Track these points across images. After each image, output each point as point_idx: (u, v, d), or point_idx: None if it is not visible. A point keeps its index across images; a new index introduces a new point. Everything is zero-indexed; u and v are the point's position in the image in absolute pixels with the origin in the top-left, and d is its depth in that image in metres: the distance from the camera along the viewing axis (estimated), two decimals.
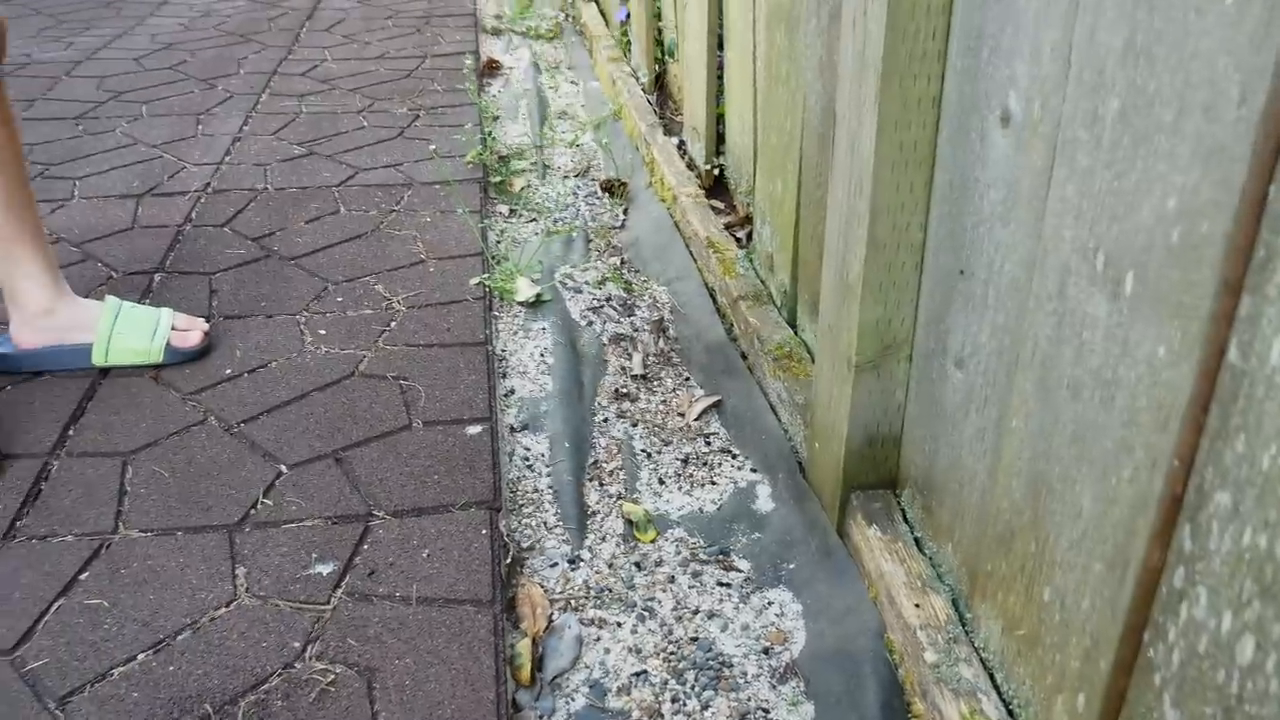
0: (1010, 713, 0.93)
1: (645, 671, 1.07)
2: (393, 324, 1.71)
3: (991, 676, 0.97)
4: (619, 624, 1.14)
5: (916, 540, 1.13)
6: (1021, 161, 0.86)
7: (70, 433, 1.43)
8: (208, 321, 1.71)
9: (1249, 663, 0.62)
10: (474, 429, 1.43)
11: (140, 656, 1.08)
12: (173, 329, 1.58)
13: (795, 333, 1.55)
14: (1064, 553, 0.82)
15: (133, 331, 1.55)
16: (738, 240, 1.85)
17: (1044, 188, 0.82)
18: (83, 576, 1.19)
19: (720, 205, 2.02)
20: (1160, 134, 0.66)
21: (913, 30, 0.98)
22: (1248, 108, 0.58)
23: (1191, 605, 0.67)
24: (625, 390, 1.57)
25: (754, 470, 1.38)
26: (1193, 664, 0.68)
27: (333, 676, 1.06)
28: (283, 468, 1.36)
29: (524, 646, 1.10)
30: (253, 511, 1.28)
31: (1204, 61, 0.62)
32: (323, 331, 1.69)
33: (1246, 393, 0.61)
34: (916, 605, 1.03)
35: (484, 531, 1.24)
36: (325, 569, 1.19)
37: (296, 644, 1.09)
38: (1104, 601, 0.77)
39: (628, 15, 2.96)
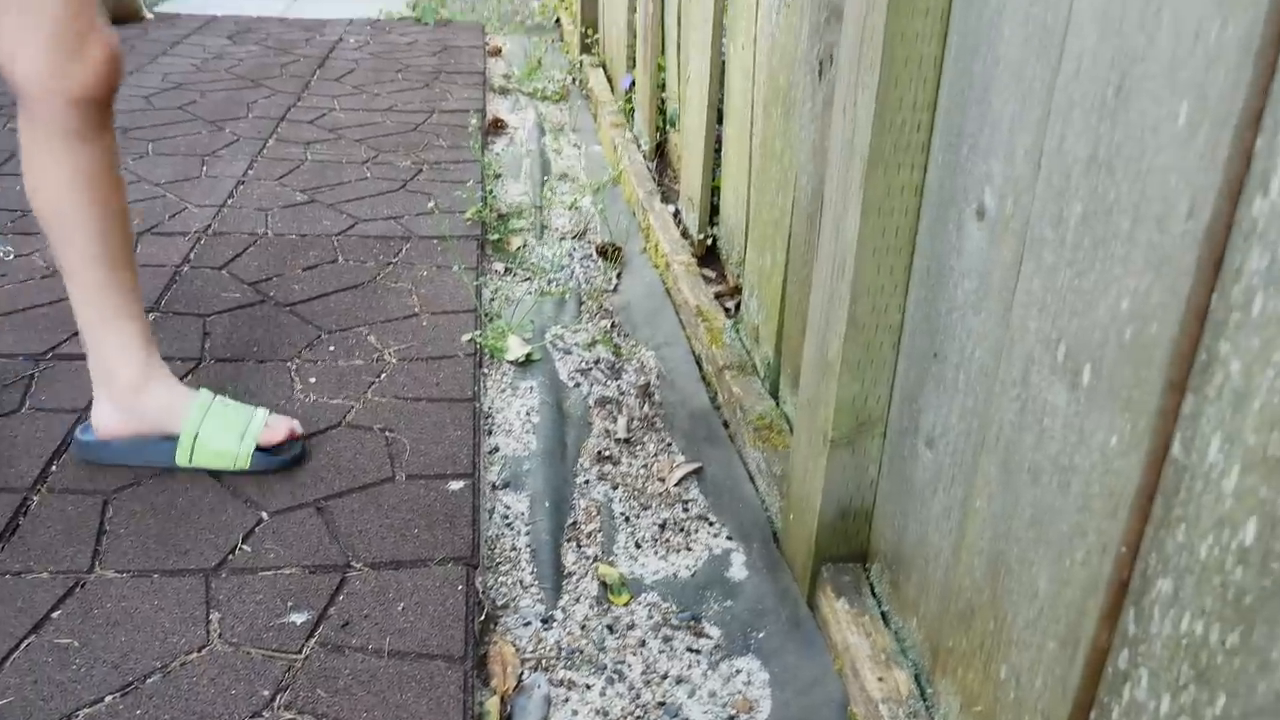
0: None
1: None
2: (383, 375, 1.73)
3: None
4: (588, 686, 1.15)
5: (883, 614, 1.15)
6: (993, 254, 0.89)
7: (53, 468, 1.45)
8: (198, 364, 1.73)
9: None
10: (456, 484, 1.45)
11: (108, 699, 1.09)
12: (265, 426, 1.47)
13: (777, 404, 1.58)
14: (1020, 631, 0.85)
15: (221, 433, 1.44)
16: (726, 310, 1.89)
17: (1013, 280, 0.86)
18: (55, 615, 1.20)
19: (711, 274, 2.06)
20: (1117, 240, 0.70)
21: (898, 122, 1.02)
22: (1194, 222, 0.62)
23: (1134, 687, 0.70)
24: (608, 453, 1.60)
25: (729, 538, 1.40)
26: None
27: None
28: (264, 514, 1.38)
29: (492, 704, 1.11)
30: (231, 557, 1.30)
31: (1158, 176, 0.66)
32: (313, 380, 1.71)
33: (1188, 485, 0.64)
34: (880, 679, 1.05)
35: (460, 587, 1.26)
36: (300, 618, 1.21)
37: (266, 693, 1.11)
38: (1055, 680, 0.79)
39: (632, 83, 3.03)
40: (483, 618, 1.23)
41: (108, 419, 1.43)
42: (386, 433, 1.57)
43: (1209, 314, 0.62)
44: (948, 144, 0.98)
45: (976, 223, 0.93)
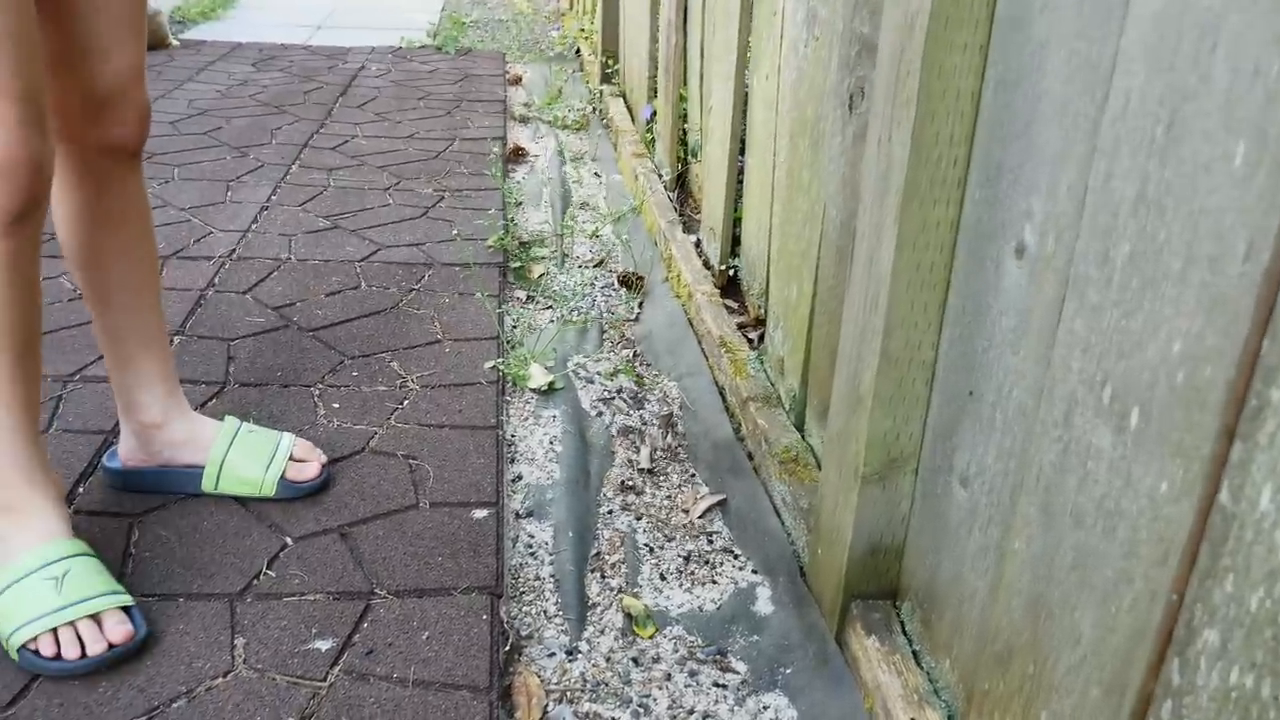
0: None
1: None
2: (405, 402, 1.73)
3: None
4: (614, 719, 1.14)
5: (915, 653, 1.13)
6: (1034, 293, 0.89)
7: (80, 490, 1.45)
8: (222, 388, 1.74)
9: None
10: (480, 513, 1.45)
11: None
12: (290, 459, 1.46)
13: (803, 437, 1.57)
14: (1062, 676, 0.83)
15: (246, 460, 1.43)
16: (749, 341, 1.88)
17: (1054, 319, 0.85)
18: None
19: (733, 305, 2.06)
20: (1167, 281, 0.70)
21: (935, 157, 1.02)
22: (1252, 264, 0.61)
23: None
24: (631, 483, 1.59)
25: (755, 572, 1.39)
26: None
27: None
28: (288, 540, 1.37)
29: None
30: (255, 582, 1.29)
31: (1212, 217, 0.65)
32: (336, 405, 1.71)
33: (1236, 535, 0.63)
34: (912, 719, 1.03)
35: (484, 617, 1.25)
36: (324, 645, 1.20)
37: (287, 714, 1.10)
38: None
39: (653, 114, 3.05)
40: (507, 648, 1.22)
41: (132, 451, 1.44)
42: (410, 459, 1.57)
43: (1260, 358, 0.61)
44: (985, 179, 0.98)
45: (1015, 260, 0.92)
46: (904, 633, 1.16)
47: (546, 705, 1.15)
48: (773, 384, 1.73)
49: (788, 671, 1.21)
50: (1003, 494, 0.94)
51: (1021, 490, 0.90)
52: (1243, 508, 0.63)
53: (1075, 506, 0.82)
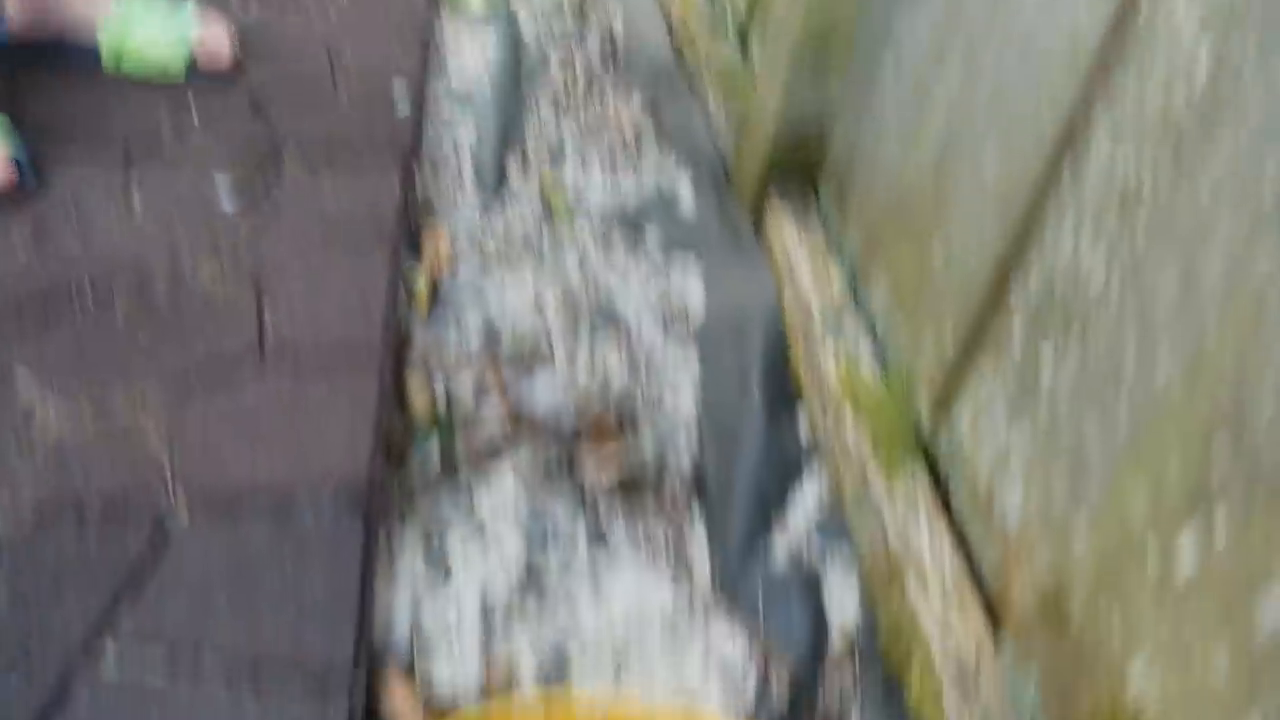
0: (885, 361, 0.96)
1: (543, 318, 1.08)
2: (331, 9, 1.62)
3: (873, 332, 0.99)
4: (524, 278, 1.14)
5: (824, 222, 1.13)
6: None
7: None
8: None
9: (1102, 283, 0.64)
10: (401, 99, 1.38)
11: (22, 258, 1.06)
12: (201, 42, 1.36)
13: (744, 60, 1.51)
14: (960, 206, 0.83)
15: (150, 42, 1.33)
16: None
17: None
18: None
19: None
20: None
21: None
22: None
23: (1056, 230, 0.71)
24: (566, 93, 1.53)
25: (681, 169, 1.37)
26: (1048, 294, 0.70)
27: (224, 290, 1.04)
28: (194, 112, 1.30)
29: (423, 280, 1.09)
30: (160, 145, 1.23)
31: None
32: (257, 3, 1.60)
33: (1147, 41, 0.62)
34: (814, 278, 1.04)
35: (397, 177, 1.21)
36: (230, 204, 1.16)
37: (185, 250, 1.07)
38: (986, 245, 0.78)
39: None
40: (420, 205, 1.20)
41: (25, 26, 1.31)
42: (332, 49, 1.48)
43: None
44: None
45: None
46: (818, 211, 1.15)
47: (455, 258, 1.14)
48: (718, 14, 1.64)
49: (703, 250, 1.21)
50: (929, 51, 0.90)
51: (950, 43, 0.86)
52: (1160, 17, 0.61)
53: (999, 43, 0.79)
